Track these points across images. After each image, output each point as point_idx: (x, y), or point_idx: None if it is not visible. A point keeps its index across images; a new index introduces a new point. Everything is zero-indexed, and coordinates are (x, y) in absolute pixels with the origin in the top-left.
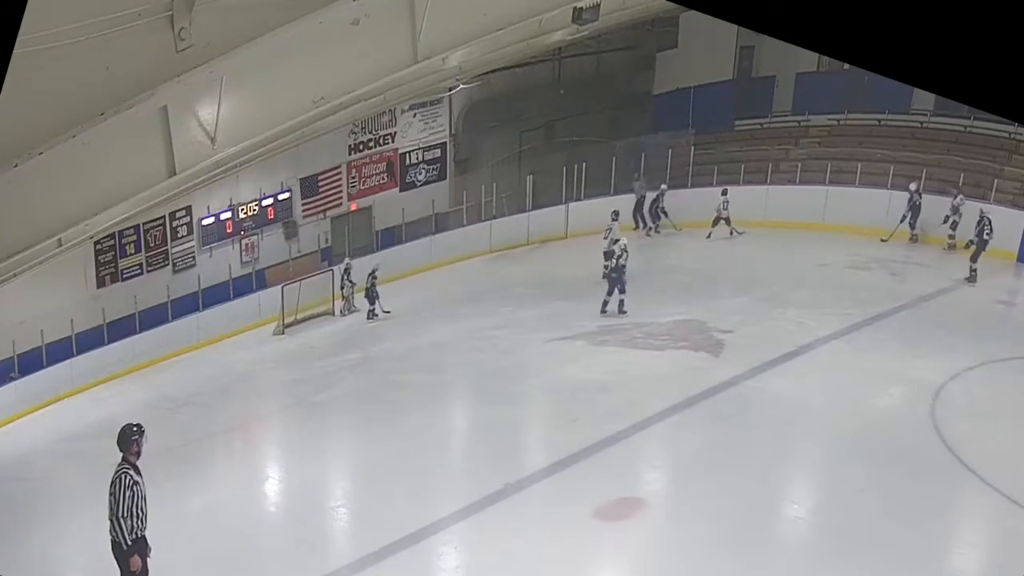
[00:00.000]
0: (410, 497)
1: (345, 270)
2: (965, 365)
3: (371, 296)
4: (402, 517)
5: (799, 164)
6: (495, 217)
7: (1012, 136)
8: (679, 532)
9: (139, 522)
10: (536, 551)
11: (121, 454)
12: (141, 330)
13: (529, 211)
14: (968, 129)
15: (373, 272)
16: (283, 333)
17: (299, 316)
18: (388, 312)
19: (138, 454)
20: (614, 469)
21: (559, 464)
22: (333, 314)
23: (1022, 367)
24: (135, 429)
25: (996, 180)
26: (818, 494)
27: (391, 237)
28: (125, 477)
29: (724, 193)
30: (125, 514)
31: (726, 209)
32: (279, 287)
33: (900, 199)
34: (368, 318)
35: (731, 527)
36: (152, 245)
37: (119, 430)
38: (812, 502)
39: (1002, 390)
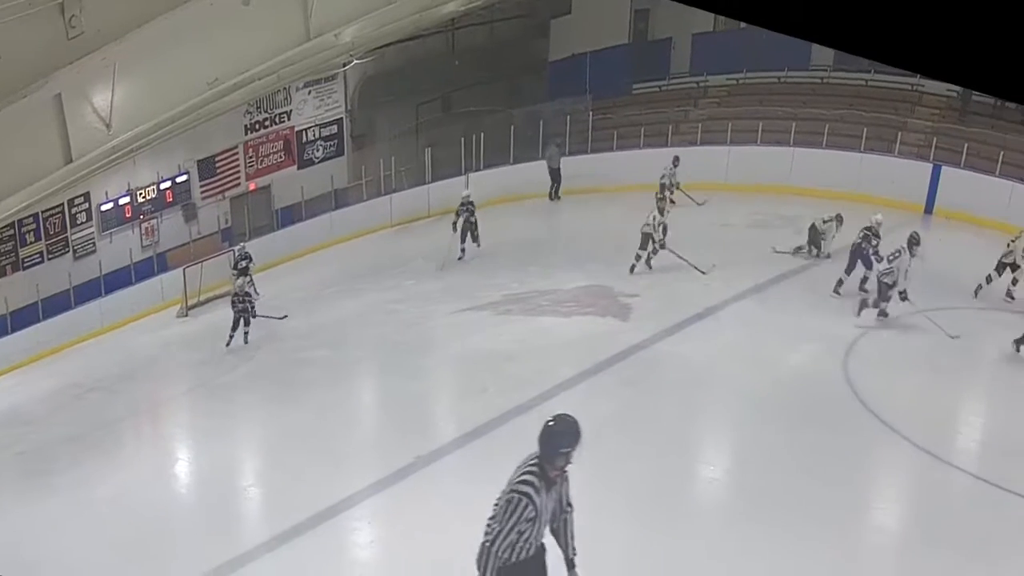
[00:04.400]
0: (321, 474)
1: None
2: (874, 320)
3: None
4: (314, 494)
5: (699, 125)
6: (395, 191)
7: (915, 88)
8: (592, 498)
9: None
10: (450, 522)
11: None
12: (44, 318)
13: (429, 183)
14: (869, 83)
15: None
16: (186, 315)
17: (202, 298)
18: (259, 295)
19: None
20: (525, 437)
21: (470, 435)
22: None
23: (927, 321)
24: None
25: (900, 133)
26: (733, 454)
27: (290, 215)
28: None
29: (675, 163)
30: None
31: (674, 175)
32: (181, 269)
33: (803, 156)
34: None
35: (646, 491)
36: (52, 233)
37: None
38: (727, 462)
39: (913, 343)
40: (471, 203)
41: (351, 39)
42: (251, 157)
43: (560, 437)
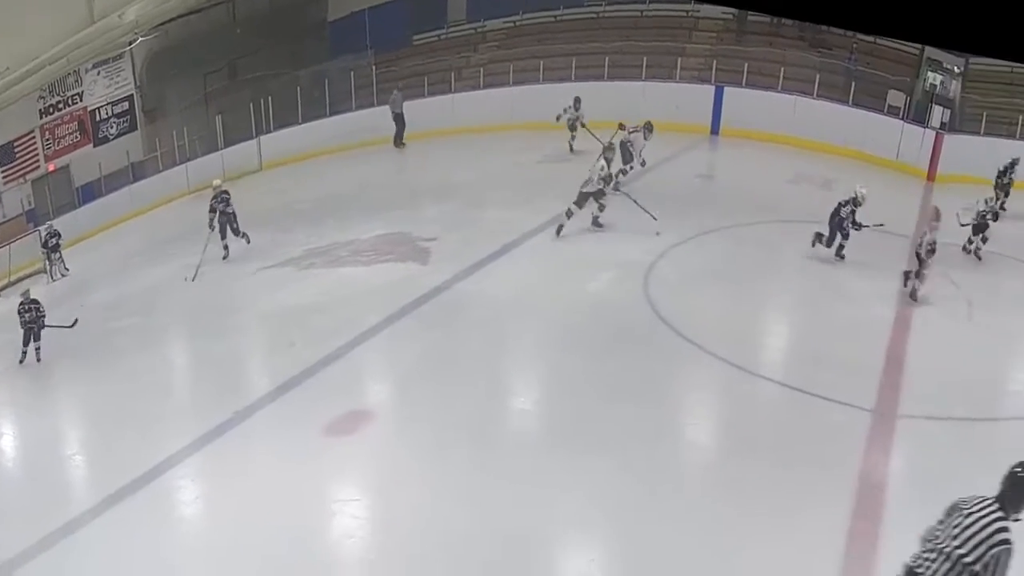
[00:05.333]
0: (143, 437)
1: (46, 238)
2: (672, 242)
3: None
4: (137, 457)
5: (481, 70)
6: (189, 159)
7: (690, 14)
8: (409, 438)
9: None
10: (271, 472)
11: None
12: None
13: (222, 149)
14: (644, 14)
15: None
16: None
17: (11, 279)
18: (68, 271)
19: None
20: (337, 385)
21: (283, 387)
22: (47, 273)
23: (727, 237)
24: None
25: (679, 59)
26: (542, 384)
27: (91, 192)
28: None
29: (576, 105)
30: None
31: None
32: None
33: (586, 89)
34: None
35: (460, 427)
36: None
37: None
38: (537, 393)
39: (711, 261)
40: (226, 193)
41: (135, 18)
42: (48, 139)
43: None
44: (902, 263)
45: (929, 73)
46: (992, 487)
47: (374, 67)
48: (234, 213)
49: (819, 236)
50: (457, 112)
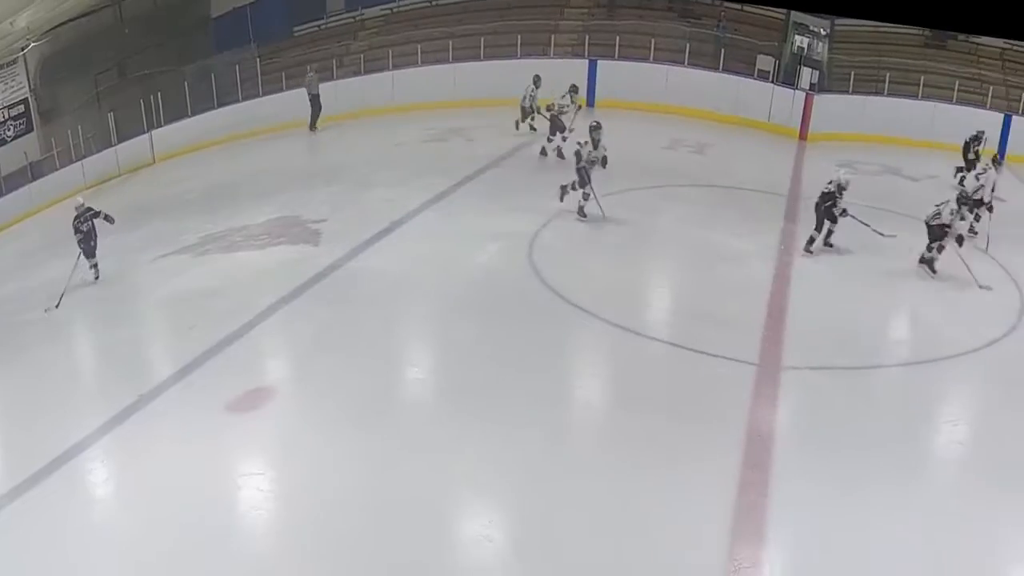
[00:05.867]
0: (52, 425)
1: None
2: (554, 212)
3: None
4: (47, 444)
5: (361, 56)
6: (84, 157)
7: None
8: (310, 413)
9: None
10: (178, 450)
11: None
12: None
13: (115, 145)
14: None
15: None
16: None
17: None
18: None
19: None
20: (238, 365)
21: (186, 369)
22: None
23: (607, 204)
24: None
25: (552, 36)
26: (436, 355)
27: None
28: None
29: (536, 83)
30: None
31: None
32: None
33: (464, 70)
34: None
35: (358, 399)
36: None
37: None
38: (431, 363)
39: (593, 229)
40: (90, 211)
41: (26, 24)
42: None
43: None
44: (778, 222)
45: (796, 36)
46: (877, 432)
47: (258, 59)
48: (94, 231)
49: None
50: (340, 98)
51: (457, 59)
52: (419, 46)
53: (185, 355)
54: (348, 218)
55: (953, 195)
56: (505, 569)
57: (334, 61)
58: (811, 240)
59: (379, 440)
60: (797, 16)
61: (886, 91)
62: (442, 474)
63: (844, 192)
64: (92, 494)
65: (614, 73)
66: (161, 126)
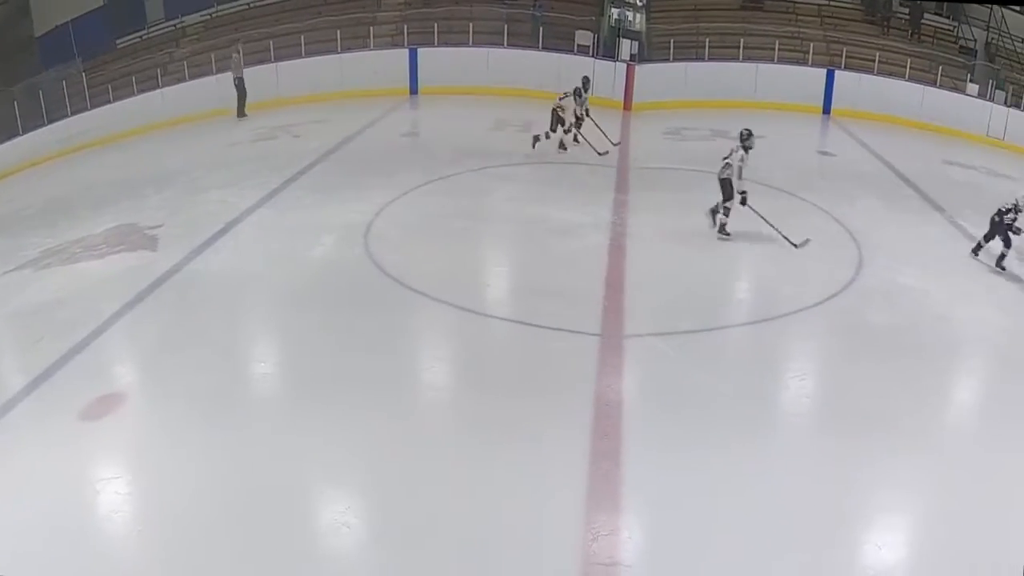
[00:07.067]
0: None
1: None
2: (386, 199)
3: None
4: None
5: (184, 63)
6: None
7: None
8: (161, 414)
9: None
10: (34, 462)
11: None
12: None
13: None
14: None
15: None
16: None
17: None
18: None
19: None
20: (87, 373)
21: (36, 381)
22: None
23: (438, 189)
24: None
25: (371, 28)
26: (280, 348)
27: None
28: None
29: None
30: None
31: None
32: None
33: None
34: None
35: (208, 396)
36: None
37: None
38: (276, 356)
39: (426, 213)
40: None
41: None
42: None
43: None
44: (610, 193)
45: (613, 9)
46: (724, 392)
47: (83, 74)
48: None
49: (979, 246)
50: (167, 105)
51: (279, 58)
52: (240, 48)
53: (34, 368)
54: (184, 222)
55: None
56: (364, 554)
57: (158, 70)
58: (978, 246)
59: (232, 434)
60: None
61: (707, 56)
62: (296, 464)
63: (1020, 212)
64: None
65: (435, 60)
66: None
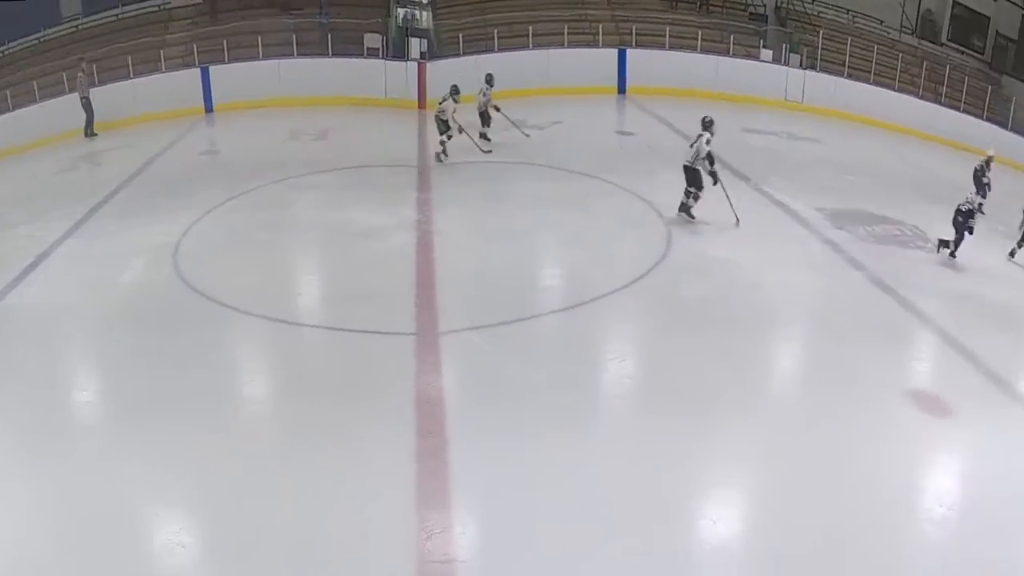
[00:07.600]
0: None
1: None
2: (192, 219)
3: None
4: None
5: None
6: None
7: (162, 7)
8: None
9: None
10: None
11: None
12: None
13: None
14: (120, 17)
15: None
16: None
17: None
18: None
19: None
20: None
21: None
22: None
23: (241, 204)
24: None
25: (161, 51)
26: (97, 374)
27: None
28: None
29: (489, 82)
30: None
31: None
32: None
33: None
34: None
35: (28, 430)
36: None
37: None
38: (94, 383)
39: (231, 229)
40: None
41: None
42: None
43: None
44: (412, 192)
45: (398, 10)
46: (544, 380)
47: None
48: None
49: (943, 243)
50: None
51: (103, 81)
52: (35, 83)
53: None
54: None
55: None
56: (200, 572)
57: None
58: (942, 243)
59: (58, 463)
60: None
61: (496, 47)
62: (124, 487)
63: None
64: None
65: (227, 76)
66: None
